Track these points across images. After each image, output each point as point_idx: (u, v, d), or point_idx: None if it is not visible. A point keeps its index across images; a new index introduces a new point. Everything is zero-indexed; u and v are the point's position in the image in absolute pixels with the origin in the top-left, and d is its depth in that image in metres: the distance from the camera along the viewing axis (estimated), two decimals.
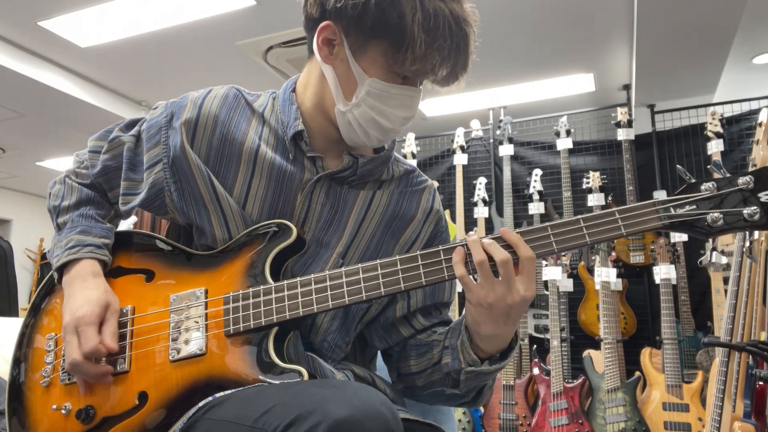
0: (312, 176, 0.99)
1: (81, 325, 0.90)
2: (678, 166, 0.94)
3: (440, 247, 0.88)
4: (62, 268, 0.99)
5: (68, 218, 1.03)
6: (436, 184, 1.15)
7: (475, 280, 0.85)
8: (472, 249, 0.84)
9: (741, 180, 0.82)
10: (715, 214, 0.82)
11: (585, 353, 3.11)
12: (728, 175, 0.83)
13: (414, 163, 3.36)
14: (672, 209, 0.83)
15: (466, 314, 0.89)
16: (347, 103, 0.94)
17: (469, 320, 0.89)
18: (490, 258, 0.84)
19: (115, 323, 0.93)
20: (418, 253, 0.88)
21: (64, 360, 0.96)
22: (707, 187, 0.83)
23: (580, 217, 0.85)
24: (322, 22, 0.92)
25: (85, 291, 0.94)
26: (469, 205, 3.82)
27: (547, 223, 0.86)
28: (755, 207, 0.80)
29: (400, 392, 1.08)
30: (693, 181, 0.85)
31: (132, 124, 1.08)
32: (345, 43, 0.91)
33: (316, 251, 0.99)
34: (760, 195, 0.81)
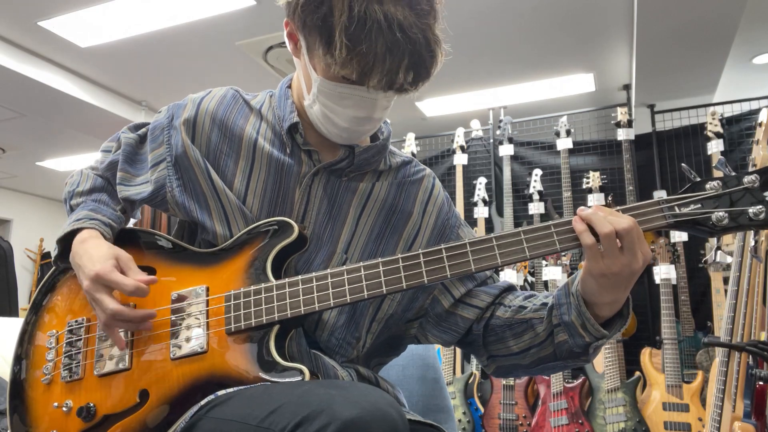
0: (309, 169, 1.00)
1: (103, 278, 0.89)
2: (683, 164, 0.94)
3: (442, 246, 0.88)
4: (65, 242, 0.99)
5: (81, 200, 1.05)
6: (439, 182, 1.15)
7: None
8: (595, 221, 0.83)
9: (746, 179, 0.81)
10: (720, 213, 0.81)
11: None
12: (733, 173, 0.83)
13: None
14: (677, 208, 0.83)
15: (584, 286, 0.88)
16: (308, 98, 0.97)
17: (588, 291, 0.88)
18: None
19: (135, 267, 0.93)
20: (420, 251, 0.88)
21: (66, 356, 0.96)
22: (712, 185, 0.83)
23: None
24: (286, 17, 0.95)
25: (90, 252, 0.93)
26: (469, 205, 3.83)
27: (545, 224, 0.86)
28: (761, 206, 0.80)
29: (494, 372, 1.06)
30: (698, 179, 0.84)
31: (140, 126, 1.12)
32: (301, 40, 0.93)
33: (317, 246, 0.99)
34: (765, 194, 0.80)
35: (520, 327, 0.99)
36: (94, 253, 0.92)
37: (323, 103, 0.94)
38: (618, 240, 0.82)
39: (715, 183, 0.83)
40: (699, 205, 0.82)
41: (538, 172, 3.70)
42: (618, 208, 0.85)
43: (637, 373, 2.96)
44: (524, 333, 0.99)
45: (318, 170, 1.00)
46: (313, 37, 0.88)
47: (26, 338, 1.02)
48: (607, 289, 0.86)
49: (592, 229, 0.83)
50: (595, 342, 0.90)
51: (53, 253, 1.02)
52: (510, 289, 1.06)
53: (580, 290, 0.89)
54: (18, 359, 1.00)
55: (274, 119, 1.04)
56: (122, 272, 0.92)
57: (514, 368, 1.03)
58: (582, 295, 0.89)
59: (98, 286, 0.90)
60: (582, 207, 0.86)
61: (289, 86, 1.06)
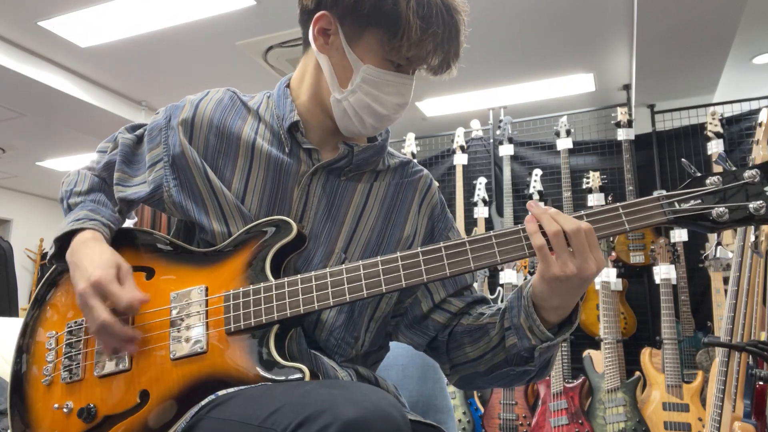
0: (308, 168, 1.01)
1: (101, 286, 0.88)
2: (683, 159, 0.94)
3: (441, 244, 0.87)
4: (63, 241, 0.98)
5: (79, 200, 1.04)
6: (436, 184, 1.15)
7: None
8: (544, 221, 0.82)
9: (747, 174, 0.80)
10: (721, 209, 0.80)
11: (585, 353, 3.11)
12: (733, 168, 0.82)
13: None
14: (677, 204, 0.82)
15: (535, 289, 0.87)
16: (342, 91, 0.96)
17: (538, 294, 0.87)
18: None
19: (132, 281, 0.92)
20: (419, 249, 0.87)
21: (65, 357, 0.96)
22: (712, 181, 0.82)
23: (583, 212, 0.84)
24: (317, 12, 0.95)
25: (92, 256, 0.92)
26: (469, 205, 3.83)
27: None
28: (761, 201, 0.79)
29: (457, 383, 1.06)
30: (698, 175, 0.83)
31: (137, 127, 1.12)
32: (340, 32, 0.95)
33: (315, 245, 0.99)
34: (766, 189, 0.79)
35: (477, 333, 1.01)
36: (96, 258, 0.91)
37: (366, 92, 0.95)
38: (567, 242, 0.81)
39: (715, 178, 0.81)
40: (699, 201, 0.81)
41: (538, 172, 3.70)
42: (619, 204, 0.84)
43: (637, 373, 2.96)
44: (480, 339, 1.00)
45: (316, 169, 1.00)
46: (371, 24, 0.91)
47: (26, 338, 1.01)
48: (557, 294, 0.85)
49: (544, 231, 0.83)
50: (540, 344, 0.89)
51: (50, 252, 1.01)
52: (482, 301, 1.07)
53: (531, 293, 0.89)
54: (18, 361, 1.00)
55: (272, 119, 1.04)
56: (119, 283, 0.90)
57: (474, 377, 1.04)
58: (532, 298, 0.89)
59: (94, 292, 0.88)
60: (532, 202, 0.85)
61: (288, 86, 1.06)
